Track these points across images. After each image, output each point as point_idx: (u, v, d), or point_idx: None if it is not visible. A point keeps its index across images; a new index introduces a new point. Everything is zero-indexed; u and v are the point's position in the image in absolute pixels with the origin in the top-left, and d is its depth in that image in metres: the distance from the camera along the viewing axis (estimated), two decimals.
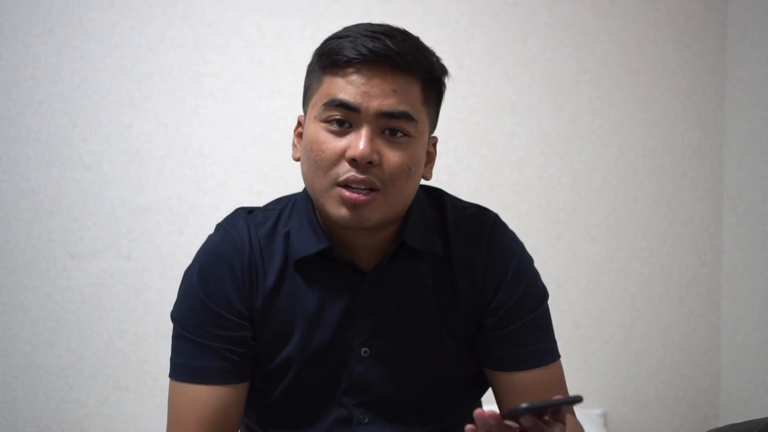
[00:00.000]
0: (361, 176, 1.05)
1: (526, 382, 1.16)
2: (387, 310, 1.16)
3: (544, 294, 1.22)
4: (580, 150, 2.12)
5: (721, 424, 2.08)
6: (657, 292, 2.14)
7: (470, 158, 2.10)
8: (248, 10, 2.06)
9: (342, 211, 1.07)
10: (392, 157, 1.07)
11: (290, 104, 2.05)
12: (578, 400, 0.91)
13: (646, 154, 2.13)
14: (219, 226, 1.20)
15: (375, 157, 1.05)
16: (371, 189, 1.06)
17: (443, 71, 1.15)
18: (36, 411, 2.04)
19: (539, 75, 2.11)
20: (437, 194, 1.24)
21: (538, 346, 1.18)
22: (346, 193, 1.06)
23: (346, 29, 1.10)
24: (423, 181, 1.20)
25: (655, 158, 2.13)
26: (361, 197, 1.06)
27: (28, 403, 2.03)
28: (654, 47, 2.13)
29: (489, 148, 2.10)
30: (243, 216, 1.19)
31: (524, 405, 0.89)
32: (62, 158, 2.03)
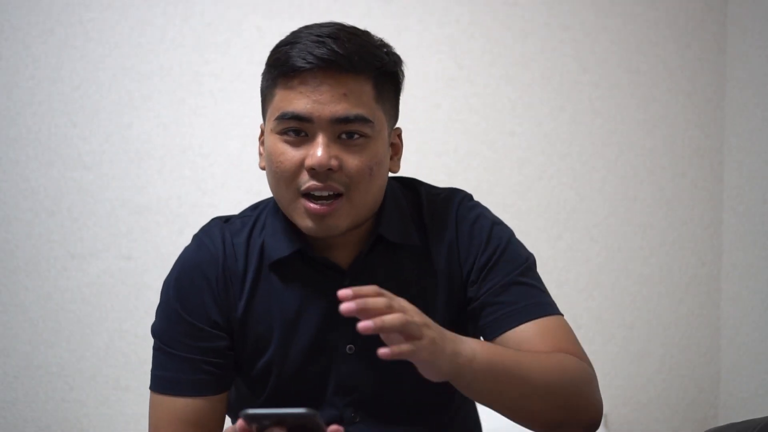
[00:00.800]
0: (321, 184, 1.05)
1: (524, 335, 1.09)
2: None
3: (526, 257, 1.17)
4: (580, 150, 2.12)
5: (721, 424, 2.08)
6: (657, 292, 2.14)
7: (470, 158, 2.10)
8: (248, 10, 2.06)
9: (308, 223, 1.07)
10: (351, 160, 1.06)
11: None
12: (309, 415, 0.86)
13: (646, 154, 2.13)
14: (194, 237, 1.21)
15: (334, 163, 1.05)
16: (336, 195, 1.07)
17: (396, 63, 1.13)
18: (36, 411, 2.04)
19: (539, 75, 2.11)
20: (412, 185, 1.23)
21: (529, 300, 1.12)
22: (310, 205, 1.06)
23: (295, 35, 1.09)
24: (399, 173, 1.20)
25: (655, 158, 2.13)
26: (325, 208, 1.06)
27: (28, 403, 2.03)
28: (654, 47, 2.13)
29: (489, 148, 2.10)
30: (218, 225, 1.20)
31: (248, 411, 0.86)
32: (62, 158, 2.03)
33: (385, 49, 1.12)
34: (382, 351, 0.87)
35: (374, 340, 1.15)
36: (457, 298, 1.17)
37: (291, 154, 1.07)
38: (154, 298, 2.01)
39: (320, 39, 1.06)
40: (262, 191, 2.02)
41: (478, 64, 2.10)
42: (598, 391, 1.08)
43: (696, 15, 2.13)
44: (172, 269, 1.19)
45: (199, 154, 2.06)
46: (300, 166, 1.06)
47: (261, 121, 2.14)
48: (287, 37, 1.10)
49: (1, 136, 2.02)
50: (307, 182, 1.06)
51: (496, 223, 1.19)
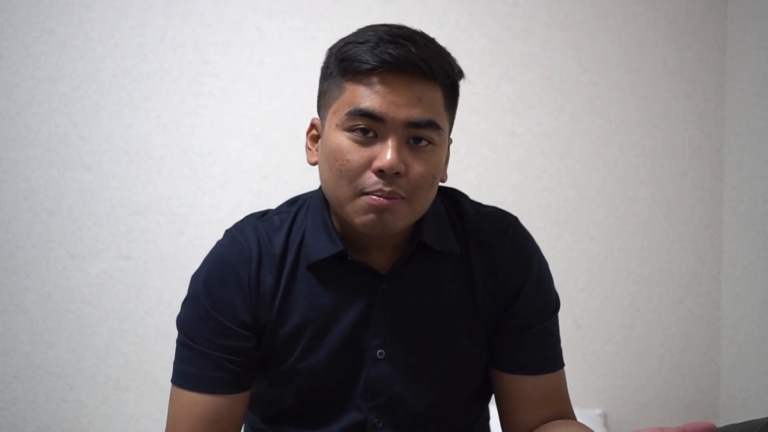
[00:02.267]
0: (388, 188, 1.03)
1: (535, 386, 1.16)
2: (404, 311, 1.15)
3: (558, 300, 1.22)
4: (580, 150, 2.12)
5: (721, 424, 2.08)
6: (657, 292, 2.14)
7: (470, 158, 2.10)
8: (248, 10, 2.06)
9: (368, 217, 1.05)
10: (417, 167, 1.05)
11: (290, 104, 2.05)
12: None
13: (646, 154, 2.13)
14: (227, 232, 1.19)
15: (402, 167, 1.03)
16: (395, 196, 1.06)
17: (461, 75, 1.12)
18: (36, 411, 2.04)
19: (539, 75, 2.11)
20: (453, 195, 1.24)
21: (551, 352, 1.19)
22: (374, 198, 1.04)
23: (363, 33, 1.07)
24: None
25: (655, 158, 2.13)
26: (388, 202, 1.04)
27: (28, 403, 2.03)
28: (654, 47, 2.13)
29: (489, 148, 2.10)
30: (253, 222, 1.18)
31: None
32: (62, 158, 2.03)
33: (453, 60, 1.11)
34: None
35: (404, 346, 1.15)
36: (494, 317, 1.18)
37: (358, 153, 1.04)
38: (155, 298, 2.04)
39: (395, 40, 1.04)
40: (262, 191, 2.04)
41: (478, 64, 2.10)
42: None
43: (696, 15, 2.13)
44: (203, 264, 1.17)
45: (199, 154, 2.06)
46: (366, 166, 1.04)
47: (261, 120, 2.15)
48: (355, 35, 1.08)
49: (1, 136, 2.02)
50: (373, 185, 1.04)
51: (543, 259, 1.23)
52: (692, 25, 2.13)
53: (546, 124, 2.11)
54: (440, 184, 1.19)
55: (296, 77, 2.04)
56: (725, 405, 2.12)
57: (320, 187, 1.16)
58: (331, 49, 1.11)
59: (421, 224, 1.14)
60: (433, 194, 1.10)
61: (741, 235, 2.06)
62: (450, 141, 1.17)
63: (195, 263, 1.20)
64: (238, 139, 2.06)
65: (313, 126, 1.15)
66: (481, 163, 2.10)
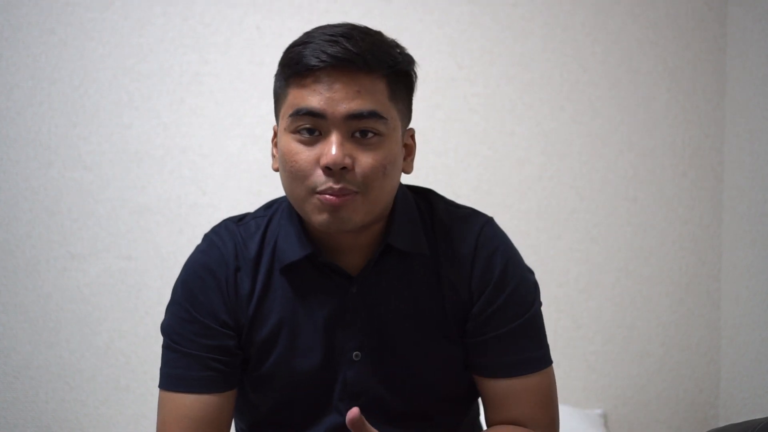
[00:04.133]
0: (337, 186, 1.04)
1: (509, 389, 1.14)
2: (377, 312, 1.15)
3: (533, 302, 1.18)
4: (580, 150, 2.12)
5: (721, 424, 2.08)
6: (657, 292, 2.14)
7: (470, 158, 2.10)
8: (248, 10, 2.06)
9: (323, 216, 1.06)
10: (365, 159, 1.06)
11: None
12: None
13: (646, 154, 2.13)
14: (205, 236, 1.21)
15: (348, 161, 1.04)
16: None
17: (409, 62, 1.12)
18: (36, 411, 2.04)
19: (539, 75, 2.11)
20: (426, 195, 1.23)
21: (523, 355, 1.15)
22: (326, 196, 1.05)
23: (307, 35, 1.09)
24: (411, 181, 1.20)
25: (655, 158, 2.13)
26: (339, 199, 1.05)
27: (28, 403, 2.03)
28: (654, 47, 2.13)
29: (489, 148, 2.10)
30: (230, 227, 1.19)
31: None
32: (62, 158, 2.03)
33: (398, 49, 1.11)
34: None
35: (381, 347, 1.15)
36: (460, 309, 1.17)
37: (305, 153, 1.06)
38: (155, 298, 2.04)
39: (333, 38, 1.06)
40: (262, 191, 2.04)
41: (478, 64, 2.10)
42: None
43: (696, 15, 2.13)
44: (183, 268, 1.19)
45: (199, 154, 2.06)
46: (314, 164, 1.06)
47: (261, 120, 2.15)
48: (300, 38, 1.10)
49: (1, 136, 2.02)
50: (323, 183, 1.05)
51: (512, 261, 1.18)
52: (692, 25, 2.13)
53: (546, 124, 2.11)
54: (412, 182, 1.19)
55: None
56: (725, 405, 2.12)
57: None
58: (280, 58, 1.12)
59: (389, 225, 1.15)
60: (390, 185, 1.10)
61: (741, 235, 2.06)
62: (411, 131, 1.17)
63: None
64: (238, 139, 2.06)
65: (275, 134, 1.17)
66: (481, 163, 2.10)
